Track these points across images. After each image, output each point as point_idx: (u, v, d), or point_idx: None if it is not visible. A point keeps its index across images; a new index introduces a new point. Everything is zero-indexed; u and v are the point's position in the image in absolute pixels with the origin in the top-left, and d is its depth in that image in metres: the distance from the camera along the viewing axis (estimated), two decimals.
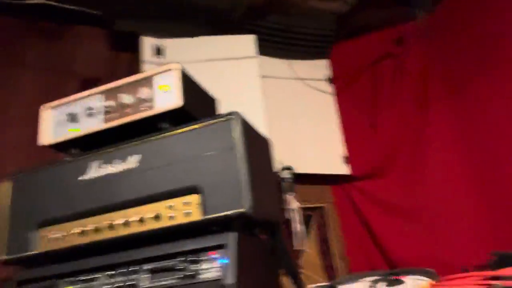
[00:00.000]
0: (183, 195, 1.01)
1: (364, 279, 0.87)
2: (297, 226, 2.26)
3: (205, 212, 0.97)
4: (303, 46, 2.78)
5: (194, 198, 1.00)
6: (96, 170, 1.11)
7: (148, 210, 1.02)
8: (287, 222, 2.26)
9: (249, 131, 1.09)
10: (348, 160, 2.72)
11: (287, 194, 2.37)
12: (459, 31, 2.60)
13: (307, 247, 2.29)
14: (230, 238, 0.94)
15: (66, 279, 1.05)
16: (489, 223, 2.12)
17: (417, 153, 2.55)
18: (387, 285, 0.83)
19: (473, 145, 2.37)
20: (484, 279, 0.61)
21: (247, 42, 2.44)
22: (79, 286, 1.03)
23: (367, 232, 2.52)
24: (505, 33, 2.33)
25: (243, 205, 0.94)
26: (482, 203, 2.20)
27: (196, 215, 0.98)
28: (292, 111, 2.68)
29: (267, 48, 2.63)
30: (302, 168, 2.50)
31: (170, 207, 1.01)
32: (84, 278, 1.03)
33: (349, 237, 2.56)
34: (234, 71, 2.38)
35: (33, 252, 1.10)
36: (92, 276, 1.03)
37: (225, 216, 0.95)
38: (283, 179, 2.35)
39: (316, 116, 2.76)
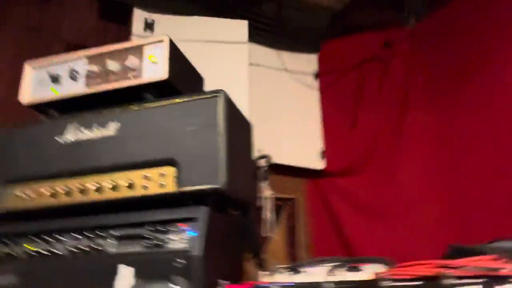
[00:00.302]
0: (159, 166, 1.02)
1: (324, 264, 0.90)
2: (268, 213, 2.30)
3: (179, 184, 0.99)
4: (294, 39, 2.80)
5: (170, 170, 1.01)
6: (73, 133, 1.10)
7: (122, 178, 1.03)
8: (258, 209, 2.29)
9: (233, 111, 1.10)
10: (325, 155, 2.77)
11: (261, 182, 2.41)
12: (445, 42, 2.67)
13: (274, 235, 2.33)
14: (202, 212, 0.96)
15: (28, 238, 1.04)
16: (451, 224, 2.22)
17: (392, 155, 2.62)
18: (346, 271, 0.87)
19: (446, 152, 2.46)
20: (437, 267, 0.66)
21: (239, 27, 2.44)
22: (40, 245, 1.03)
23: (335, 227, 2.58)
24: (488, 49, 2.42)
25: (218, 181, 0.96)
26: (447, 205, 2.30)
27: (171, 187, 0.99)
28: (275, 101, 2.70)
29: (258, 35, 2.63)
30: (279, 158, 2.53)
31: (145, 177, 1.02)
32: (48, 238, 1.03)
33: (316, 230, 2.62)
34: (223, 54, 2.38)
35: None
36: (57, 237, 1.03)
37: (199, 190, 0.97)
38: (259, 166, 2.38)
39: (298, 109, 2.79)
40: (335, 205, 2.65)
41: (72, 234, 1.02)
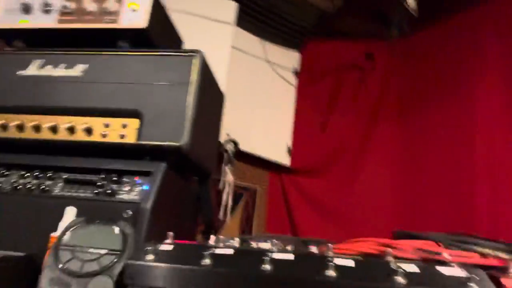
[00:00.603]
0: (122, 117, 0.98)
1: (273, 240, 0.90)
2: (227, 198, 2.29)
3: (140, 137, 0.95)
4: (281, 32, 2.80)
5: (133, 122, 0.97)
6: (36, 68, 1.04)
7: (81, 122, 0.98)
8: (219, 192, 2.28)
9: (207, 75, 1.08)
10: (292, 152, 2.79)
11: (225, 166, 2.39)
12: (422, 62, 2.76)
13: (229, 221, 2.32)
14: (159, 168, 0.93)
15: None
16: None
17: (355, 162, 2.67)
18: (295, 247, 0.88)
19: (406, 166, 2.54)
20: (380, 246, 0.67)
21: (227, 8, 2.41)
22: None
23: (289, 222, 2.60)
24: (460, 75, 2.52)
25: (180, 140, 0.94)
26: (398, 213, 2.38)
27: (131, 139, 0.96)
28: (252, 90, 2.69)
29: (245, 21, 2.61)
30: (246, 146, 2.53)
31: (106, 125, 0.98)
32: None
33: (271, 222, 2.63)
34: (207, 31, 2.34)
35: None
36: (3, 172, 0.97)
37: (160, 145, 0.94)
38: (226, 150, 2.36)
39: (274, 102, 2.80)
40: (292, 202, 2.68)
41: (20, 171, 0.97)
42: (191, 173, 1.14)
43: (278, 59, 2.83)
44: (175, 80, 0.99)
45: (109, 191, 0.91)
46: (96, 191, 0.91)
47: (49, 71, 1.04)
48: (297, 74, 2.93)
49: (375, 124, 2.78)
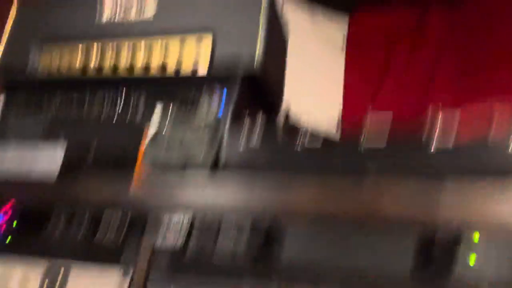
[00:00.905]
0: (196, 39, 0.99)
1: None
2: None
3: (213, 61, 0.96)
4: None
5: (205, 45, 0.98)
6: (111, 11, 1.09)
7: (156, 48, 1.01)
8: None
9: (276, 8, 1.09)
10: (342, 124, 2.73)
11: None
12: (479, 29, 2.62)
13: None
14: (232, 89, 0.94)
15: (57, 99, 1.04)
16: None
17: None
18: None
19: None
20: None
21: None
22: (68, 108, 1.02)
23: None
24: None
25: (254, 62, 0.94)
26: None
27: (203, 63, 0.97)
28: (300, 61, 2.65)
29: None
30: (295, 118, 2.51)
31: (179, 52, 1.00)
32: (75, 102, 1.02)
33: None
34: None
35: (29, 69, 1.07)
36: (84, 101, 1.02)
37: (233, 67, 0.94)
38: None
39: (322, 73, 2.75)
40: None
41: (101, 101, 1.01)
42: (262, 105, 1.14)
43: (327, 27, 2.79)
44: (247, 4, 1.00)
45: (186, 114, 0.92)
46: (175, 115, 0.93)
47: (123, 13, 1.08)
48: (346, 42, 2.87)
49: (429, 92, 2.67)
